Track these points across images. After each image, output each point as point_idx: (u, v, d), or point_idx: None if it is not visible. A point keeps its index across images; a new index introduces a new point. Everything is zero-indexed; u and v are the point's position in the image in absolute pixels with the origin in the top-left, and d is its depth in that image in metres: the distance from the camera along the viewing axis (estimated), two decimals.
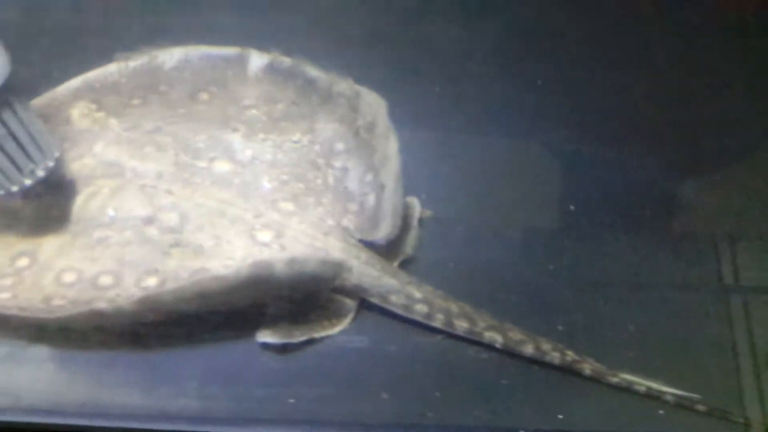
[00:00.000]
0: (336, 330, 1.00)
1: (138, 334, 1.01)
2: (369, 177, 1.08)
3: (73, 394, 0.98)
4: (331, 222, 1.04)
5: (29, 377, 0.99)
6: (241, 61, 1.24)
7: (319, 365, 0.98)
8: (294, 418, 0.93)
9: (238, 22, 1.35)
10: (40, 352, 1.00)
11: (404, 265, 1.05)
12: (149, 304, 0.93)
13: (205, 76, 1.24)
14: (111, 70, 1.24)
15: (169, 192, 1.05)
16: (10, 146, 0.94)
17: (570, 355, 0.95)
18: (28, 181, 0.97)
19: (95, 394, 0.98)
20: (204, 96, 1.21)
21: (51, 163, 0.98)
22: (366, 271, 0.99)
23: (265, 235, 1.02)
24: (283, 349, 0.99)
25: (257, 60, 1.24)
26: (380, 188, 1.05)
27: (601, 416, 0.93)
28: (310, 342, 0.99)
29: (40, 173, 0.98)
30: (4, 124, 0.93)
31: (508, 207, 1.09)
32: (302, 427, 0.93)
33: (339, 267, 0.98)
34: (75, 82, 1.23)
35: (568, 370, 0.95)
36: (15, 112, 0.94)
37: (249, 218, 1.03)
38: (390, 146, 1.06)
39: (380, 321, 1.01)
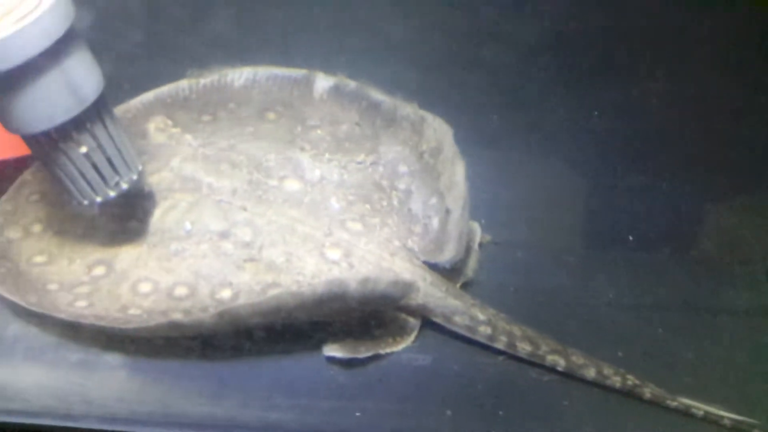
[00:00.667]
0: (400, 347, 1.04)
1: (208, 345, 1.04)
2: (433, 200, 1.11)
3: (144, 403, 1.01)
4: (396, 243, 1.08)
5: (101, 384, 1.02)
6: (307, 83, 1.30)
7: (383, 381, 1.01)
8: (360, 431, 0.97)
9: (306, 44, 1.40)
10: (113, 359, 1.04)
11: (464, 287, 1.08)
12: (228, 317, 0.96)
13: (271, 96, 1.30)
14: (182, 86, 1.30)
15: (243, 208, 1.09)
16: (99, 158, 0.98)
17: (631, 379, 0.98)
18: (112, 193, 1.01)
19: (165, 403, 1.01)
20: (271, 115, 1.26)
21: (134, 176, 1.03)
22: (431, 292, 1.03)
23: (334, 253, 1.06)
24: (348, 363, 1.02)
25: (323, 82, 1.29)
26: (445, 212, 1.08)
27: None
28: (375, 358, 1.02)
29: (124, 185, 1.02)
30: (95, 137, 0.97)
31: (567, 234, 1.13)
32: None
33: (408, 287, 1.01)
34: (148, 96, 1.29)
35: (629, 394, 0.98)
36: (105, 126, 0.98)
37: (319, 236, 1.07)
38: (457, 172, 1.09)
39: (443, 340, 1.04)
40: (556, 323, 1.03)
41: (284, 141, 1.21)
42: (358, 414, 0.98)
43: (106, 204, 1.04)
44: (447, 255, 1.04)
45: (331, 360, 1.02)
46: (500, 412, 0.97)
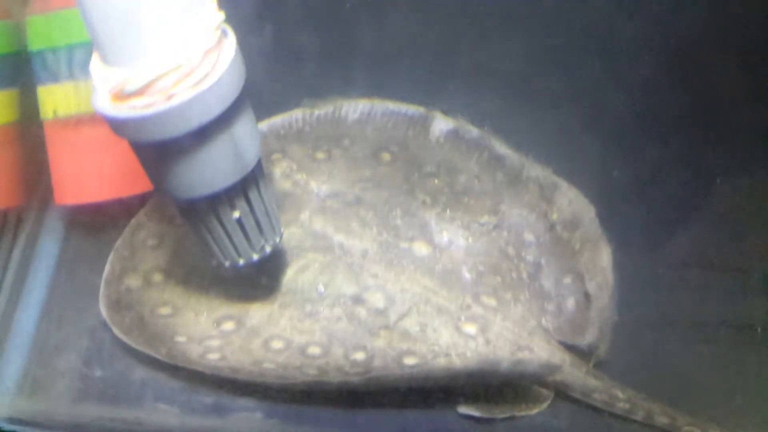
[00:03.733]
0: (534, 412, 1.04)
1: (344, 394, 1.04)
2: (567, 280, 1.09)
3: None
4: (533, 322, 1.06)
5: (239, 424, 1.03)
6: (424, 123, 1.24)
7: None
8: None
9: (414, 78, 1.34)
10: (248, 402, 1.04)
11: (596, 367, 1.07)
12: (376, 382, 0.97)
13: (386, 134, 1.25)
14: (296, 117, 1.25)
15: (375, 276, 1.06)
16: (249, 222, 0.94)
17: None
18: (256, 257, 0.97)
19: None
20: (386, 156, 1.22)
21: (278, 239, 0.98)
22: (572, 373, 1.02)
23: (470, 328, 1.04)
24: (481, 422, 1.03)
25: (441, 124, 1.24)
26: (583, 295, 1.07)
27: None
28: (509, 419, 1.03)
29: (268, 249, 0.97)
30: (248, 202, 0.93)
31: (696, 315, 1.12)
32: None
33: (555, 369, 1.01)
34: (262, 127, 1.23)
35: None
36: (259, 190, 0.93)
37: (453, 309, 1.05)
38: (603, 257, 1.08)
39: (577, 408, 1.04)
40: (687, 404, 1.02)
41: (403, 190, 1.17)
42: None
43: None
44: (588, 339, 1.04)
45: (466, 417, 1.03)
46: None
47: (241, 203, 0.92)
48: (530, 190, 1.17)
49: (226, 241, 0.95)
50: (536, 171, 1.17)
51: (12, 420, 1.03)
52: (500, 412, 1.03)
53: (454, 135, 1.23)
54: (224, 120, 0.84)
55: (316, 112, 1.25)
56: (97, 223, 1.13)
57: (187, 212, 0.92)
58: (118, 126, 0.82)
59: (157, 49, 0.78)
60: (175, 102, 0.79)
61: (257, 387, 1.02)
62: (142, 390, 1.05)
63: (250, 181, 0.92)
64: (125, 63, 0.78)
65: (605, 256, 1.08)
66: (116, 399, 1.05)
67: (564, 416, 1.05)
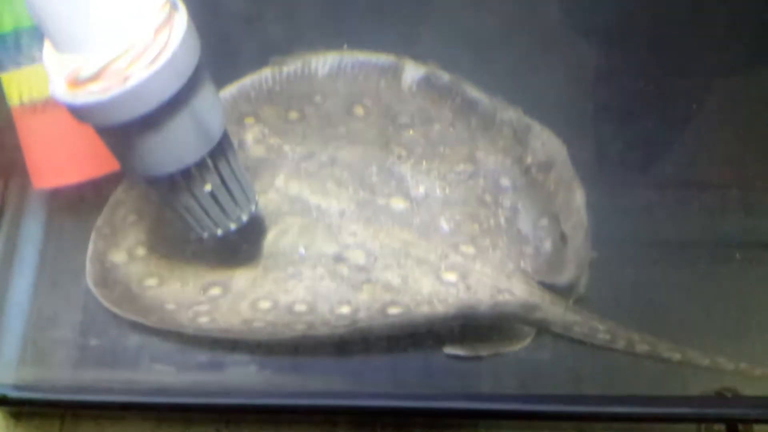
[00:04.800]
0: (517, 348, 1.08)
1: (334, 344, 1.08)
2: (544, 222, 1.11)
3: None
4: (511, 265, 1.08)
5: (234, 376, 1.07)
6: (395, 72, 1.23)
7: (502, 373, 1.07)
8: None
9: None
10: (242, 357, 1.07)
11: (576, 304, 1.09)
12: (360, 333, 1.01)
13: (358, 87, 1.24)
14: (266, 76, 1.23)
15: (354, 234, 1.08)
16: (222, 195, 0.95)
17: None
18: (233, 226, 0.98)
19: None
20: (359, 110, 1.21)
21: (253, 207, 1.00)
22: (551, 310, 1.05)
23: (450, 276, 1.06)
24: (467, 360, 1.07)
25: (412, 71, 1.23)
26: (560, 236, 1.08)
27: None
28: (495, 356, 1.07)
29: (244, 217, 0.99)
30: (219, 174, 0.94)
31: (672, 248, 1.14)
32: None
33: (534, 308, 1.04)
34: (231, 90, 1.22)
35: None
36: (228, 161, 0.94)
37: (433, 259, 1.07)
38: (576, 198, 1.09)
39: (558, 341, 1.08)
40: (668, 335, 1.06)
41: (378, 145, 1.17)
42: None
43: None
44: (565, 277, 1.06)
45: (452, 357, 1.07)
46: None
47: (212, 176, 0.93)
48: (504, 134, 1.17)
49: (202, 214, 0.96)
50: (509, 114, 1.17)
51: (18, 387, 1.07)
52: (485, 350, 1.07)
53: (426, 82, 1.22)
54: (183, 95, 0.84)
55: (285, 69, 1.23)
56: (78, 203, 1.14)
57: (159, 190, 0.93)
58: (78, 112, 0.82)
59: (107, 33, 0.77)
60: (131, 84, 0.78)
61: (249, 343, 1.06)
62: (138, 354, 1.08)
63: (218, 154, 0.92)
64: (77, 49, 0.78)
65: (578, 198, 1.09)
66: (114, 364, 1.09)
67: (547, 349, 1.09)
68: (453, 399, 1.05)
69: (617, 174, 1.22)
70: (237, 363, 1.08)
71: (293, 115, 1.21)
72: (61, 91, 0.80)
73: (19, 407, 1.11)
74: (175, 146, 0.87)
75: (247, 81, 1.22)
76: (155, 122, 0.84)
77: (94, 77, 0.78)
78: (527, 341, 1.08)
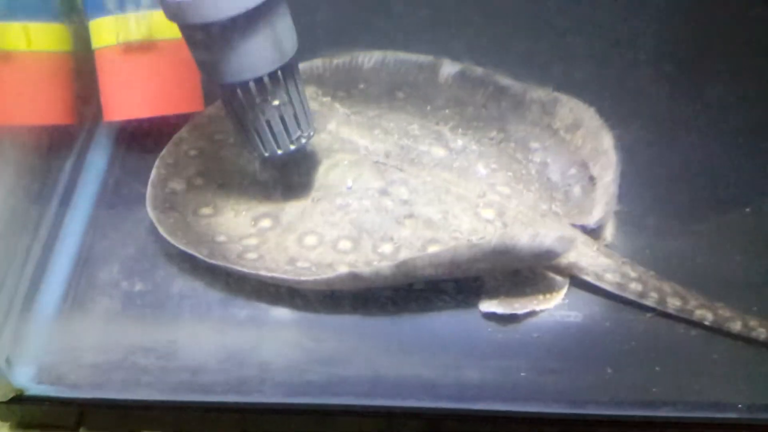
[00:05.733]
0: (552, 304, 1.09)
1: (370, 301, 1.09)
2: (573, 171, 1.19)
3: (316, 361, 1.04)
4: (543, 206, 1.15)
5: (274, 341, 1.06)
6: (433, 68, 1.37)
7: (540, 339, 1.06)
8: (529, 390, 1.01)
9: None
10: (282, 314, 1.08)
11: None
12: (405, 268, 1.01)
13: (399, 78, 1.37)
14: (316, 64, 1.37)
15: (399, 169, 1.16)
16: (287, 112, 1.05)
17: None
18: (293, 147, 1.07)
19: (334, 359, 1.04)
20: (400, 94, 1.34)
21: (312, 133, 1.09)
22: (584, 251, 1.09)
23: (488, 213, 1.13)
24: (504, 320, 1.07)
25: (449, 67, 1.37)
26: (588, 180, 1.16)
27: None
28: (530, 315, 1.08)
29: (304, 140, 1.08)
30: (287, 92, 1.04)
31: (694, 204, 1.20)
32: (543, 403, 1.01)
33: (570, 243, 1.06)
34: None
35: None
36: (296, 82, 1.05)
37: (472, 197, 1.14)
38: (604, 142, 1.17)
39: (590, 299, 1.10)
40: (690, 283, 1.07)
41: (418, 116, 1.29)
42: (523, 374, 1.02)
43: (272, 159, 1.09)
44: (596, 217, 1.11)
45: (489, 316, 1.07)
46: (657, 368, 1.02)
47: (280, 92, 1.03)
48: (533, 110, 1.29)
49: (266, 130, 1.05)
50: (538, 93, 1.29)
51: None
52: (521, 307, 1.08)
53: (461, 75, 1.36)
54: (266, 7, 0.96)
55: (335, 60, 1.38)
56: (141, 140, 1.23)
57: (231, 100, 1.03)
58: (172, 10, 0.94)
59: None
60: None
61: (292, 293, 1.07)
62: (179, 305, 1.09)
63: (288, 73, 1.03)
64: None
65: (607, 141, 1.17)
66: (154, 315, 1.09)
67: (579, 308, 1.09)
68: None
69: None
70: (276, 321, 1.08)
71: (341, 94, 1.33)
72: None
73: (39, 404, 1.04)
74: (253, 55, 0.99)
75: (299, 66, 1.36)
76: (239, 28, 0.96)
77: None
78: (561, 294, 1.10)
